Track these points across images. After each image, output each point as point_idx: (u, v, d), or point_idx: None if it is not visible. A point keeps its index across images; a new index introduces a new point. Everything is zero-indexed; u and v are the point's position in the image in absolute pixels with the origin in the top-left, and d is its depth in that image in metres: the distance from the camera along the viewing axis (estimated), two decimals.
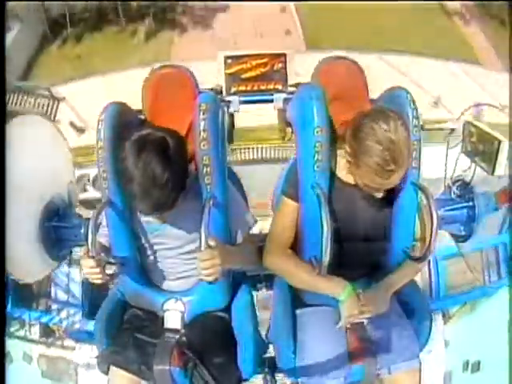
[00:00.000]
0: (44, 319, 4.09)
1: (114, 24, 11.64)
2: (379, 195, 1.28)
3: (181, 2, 11.55)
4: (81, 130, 7.92)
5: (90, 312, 3.96)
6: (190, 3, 11.49)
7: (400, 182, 1.27)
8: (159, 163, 1.15)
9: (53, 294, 4.24)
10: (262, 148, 5.47)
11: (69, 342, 3.95)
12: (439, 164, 1.78)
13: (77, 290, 4.17)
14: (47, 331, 4.11)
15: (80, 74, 10.10)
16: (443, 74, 9.29)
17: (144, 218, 1.38)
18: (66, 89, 9.77)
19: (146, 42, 11.27)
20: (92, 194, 4.51)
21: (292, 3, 11.04)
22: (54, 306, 4.21)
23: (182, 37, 11.38)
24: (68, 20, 11.86)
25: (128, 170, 1.16)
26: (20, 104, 7.65)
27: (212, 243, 1.20)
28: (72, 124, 7.77)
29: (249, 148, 5.45)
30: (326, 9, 10.25)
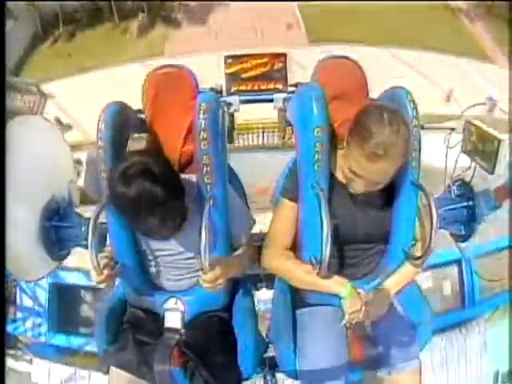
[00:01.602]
0: (9, 328, 3.88)
1: (107, 21, 11.59)
2: (360, 190, 1.26)
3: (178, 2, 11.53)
4: (67, 127, 8.02)
5: (56, 323, 3.82)
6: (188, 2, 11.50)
7: (399, 181, 1.26)
8: (149, 191, 1.13)
9: (18, 301, 4.06)
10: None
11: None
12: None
13: (43, 295, 4.00)
14: (14, 342, 3.84)
15: (70, 72, 10.08)
16: (453, 69, 9.41)
17: None
18: (55, 86, 9.72)
19: (138, 38, 11.21)
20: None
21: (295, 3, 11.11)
22: (20, 315, 4.04)
23: (176, 32, 11.34)
24: (61, 20, 11.83)
25: (123, 204, 1.17)
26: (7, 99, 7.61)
27: (214, 261, 1.22)
28: (58, 121, 7.79)
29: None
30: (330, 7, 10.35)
